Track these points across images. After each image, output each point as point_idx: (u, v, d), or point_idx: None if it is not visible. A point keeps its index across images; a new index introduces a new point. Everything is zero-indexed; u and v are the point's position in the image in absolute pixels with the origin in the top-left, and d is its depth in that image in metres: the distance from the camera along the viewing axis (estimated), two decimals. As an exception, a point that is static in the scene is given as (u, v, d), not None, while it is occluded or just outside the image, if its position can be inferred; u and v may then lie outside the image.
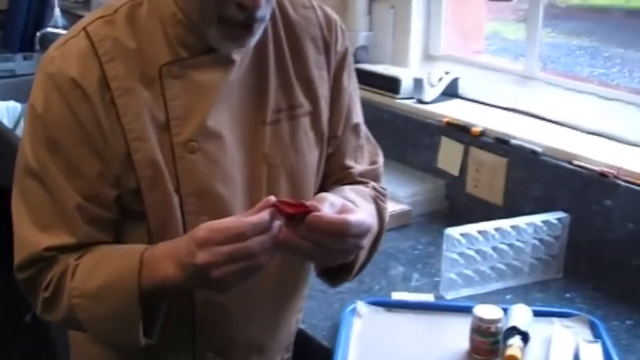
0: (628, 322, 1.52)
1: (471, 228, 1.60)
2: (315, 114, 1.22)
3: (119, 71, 1.07)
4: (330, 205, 1.05)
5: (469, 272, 1.61)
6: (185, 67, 1.10)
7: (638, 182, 1.62)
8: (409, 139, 2.18)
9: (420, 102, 2.20)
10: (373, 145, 1.37)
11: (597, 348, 1.36)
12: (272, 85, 1.18)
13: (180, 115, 1.10)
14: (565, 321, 1.48)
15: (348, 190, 1.22)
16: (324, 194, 1.10)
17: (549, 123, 1.98)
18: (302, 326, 1.44)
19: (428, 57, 2.43)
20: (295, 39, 1.21)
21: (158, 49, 1.09)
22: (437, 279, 1.68)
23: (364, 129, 1.34)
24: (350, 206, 1.07)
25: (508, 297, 1.62)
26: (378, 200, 1.28)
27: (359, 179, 1.30)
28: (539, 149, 1.81)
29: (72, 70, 1.05)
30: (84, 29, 1.08)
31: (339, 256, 1.07)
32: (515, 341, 1.35)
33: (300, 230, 1.01)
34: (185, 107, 1.10)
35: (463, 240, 1.59)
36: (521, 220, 1.65)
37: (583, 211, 1.71)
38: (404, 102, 2.22)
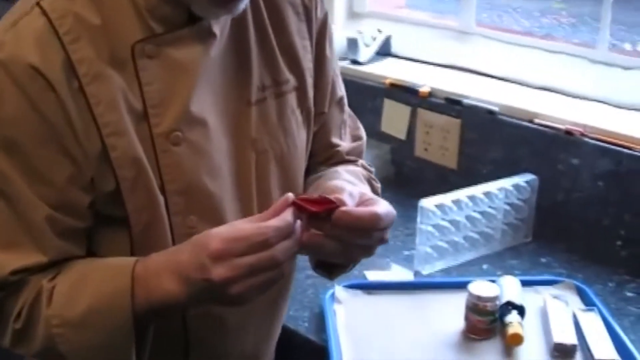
0: (610, 284, 1.48)
1: (445, 198, 1.51)
2: (301, 90, 1.09)
3: (86, 53, 0.89)
4: (349, 196, 0.93)
5: (442, 244, 1.53)
6: (161, 44, 0.93)
7: (606, 139, 1.57)
8: (348, 103, 2.06)
9: (355, 62, 2.09)
10: (353, 119, 1.25)
11: (595, 316, 1.32)
12: (255, 59, 1.03)
13: (159, 102, 0.94)
14: (551, 289, 1.43)
15: (344, 172, 1.10)
16: (337, 183, 0.98)
17: (496, 80, 1.91)
18: (282, 320, 1.31)
19: (353, 14, 2.31)
20: (274, 5, 1.06)
21: (127, 24, 0.92)
22: (406, 252, 1.60)
23: (346, 101, 1.22)
24: (370, 195, 0.96)
25: (484, 266, 1.55)
26: (372, 180, 1.17)
27: (347, 157, 1.19)
28: (495, 109, 1.74)
29: (30, 56, 0.87)
30: (38, 4, 0.89)
31: (363, 253, 0.95)
32: (514, 317, 1.28)
33: (325, 229, 0.89)
34: (164, 92, 0.94)
35: (438, 212, 1.50)
36: (492, 186, 1.58)
37: (548, 172, 1.65)
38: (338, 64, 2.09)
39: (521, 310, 1.30)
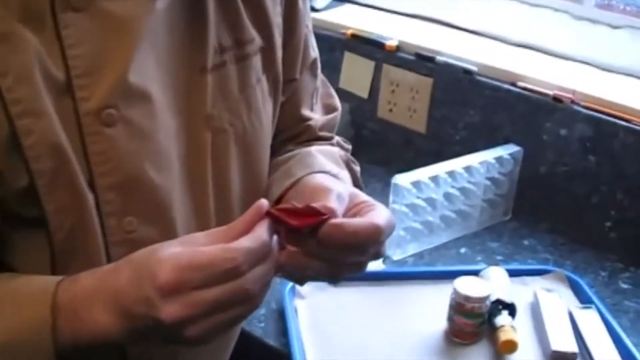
0: (602, 273, 1.33)
1: (422, 174, 1.32)
2: (268, 51, 0.87)
3: None
4: (337, 199, 0.73)
5: (416, 225, 1.34)
6: None
7: (600, 108, 1.40)
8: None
9: (312, 9, 1.85)
10: (325, 85, 1.05)
11: (594, 315, 1.16)
12: (212, 14, 0.80)
13: (88, 70, 0.71)
14: (539, 280, 1.26)
15: (319, 155, 0.90)
16: (321, 180, 0.78)
17: (471, 34, 1.71)
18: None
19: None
20: None
21: (44, -32, 0.68)
22: (372, 232, 1.41)
23: (319, 64, 1.00)
24: (363, 197, 0.76)
25: (462, 250, 1.37)
26: (350, 162, 0.97)
27: (320, 133, 0.98)
28: (473, 68, 1.55)
29: None
30: None
31: (352, 270, 0.75)
32: (505, 320, 1.11)
33: (309, 245, 0.68)
34: (94, 56, 0.71)
35: (413, 190, 1.31)
36: (473, 159, 1.39)
37: (531, 142, 1.47)
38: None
39: (512, 310, 1.13)
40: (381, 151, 1.71)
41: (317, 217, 0.67)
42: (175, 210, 0.78)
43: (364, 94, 1.74)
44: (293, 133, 0.96)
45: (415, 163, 1.45)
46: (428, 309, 1.18)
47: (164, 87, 0.77)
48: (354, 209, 0.74)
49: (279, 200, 0.86)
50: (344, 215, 0.73)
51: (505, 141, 1.48)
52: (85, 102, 0.71)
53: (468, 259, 1.34)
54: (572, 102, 1.42)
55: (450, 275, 1.18)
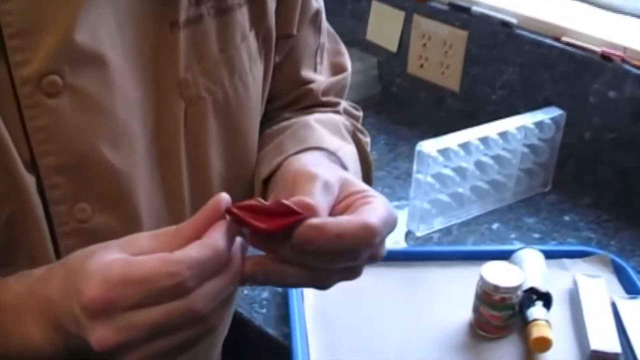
0: (652, 256, 1.18)
1: (450, 141, 1.17)
2: (257, 2, 0.73)
3: None
4: (323, 189, 0.59)
5: (443, 197, 1.20)
6: None
7: (655, 67, 1.23)
8: (326, 3, 1.68)
9: (337, -48, 1.69)
10: (333, 40, 0.91)
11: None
12: None
13: (24, 28, 0.58)
14: (580, 263, 1.12)
15: (320, 128, 0.76)
16: (305, 163, 0.64)
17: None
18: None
19: None
20: None
21: None
22: (395, 202, 1.27)
23: (324, 17, 0.86)
24: (358, 185, 0.62)
25: (494, 226, 1.23)
26: (357, 133, 0.83)
27: (323, 99, 0.84)
28: (513, 20, 1.38)
29: None
30: None
31: (343, 277, 0.62)
32: (539, 312, 0.97)
33: (284, 250, 0.55)
34: (33, 11, 0.59)
35: (440, 158, 1.16)
36: (510, 124, 1.23)
37: (576, 105, 1.31)
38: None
39: (547, 300, 1.00)
40: (410, 110, 1.57)
41: (291, 216, 0.53)
42: (138, 195, 0.66)
43: (393, 47, 1.59)
44: (291, 98, 0.83)
45: (447, 124, 1.32)
46: (452, 295, 1.05)
47: (124, 48, 0.64)
48: (345, 201, 0.60)
49: (267, 181, 0.73)
50: (333, 208, 0.60)
51: (546, 103, 1.33)
52: (22, 67, 0.59)
53: (501, 236, 1.20)
54: (623, 60, 1.25)
55: (480, 256, 1.06)
